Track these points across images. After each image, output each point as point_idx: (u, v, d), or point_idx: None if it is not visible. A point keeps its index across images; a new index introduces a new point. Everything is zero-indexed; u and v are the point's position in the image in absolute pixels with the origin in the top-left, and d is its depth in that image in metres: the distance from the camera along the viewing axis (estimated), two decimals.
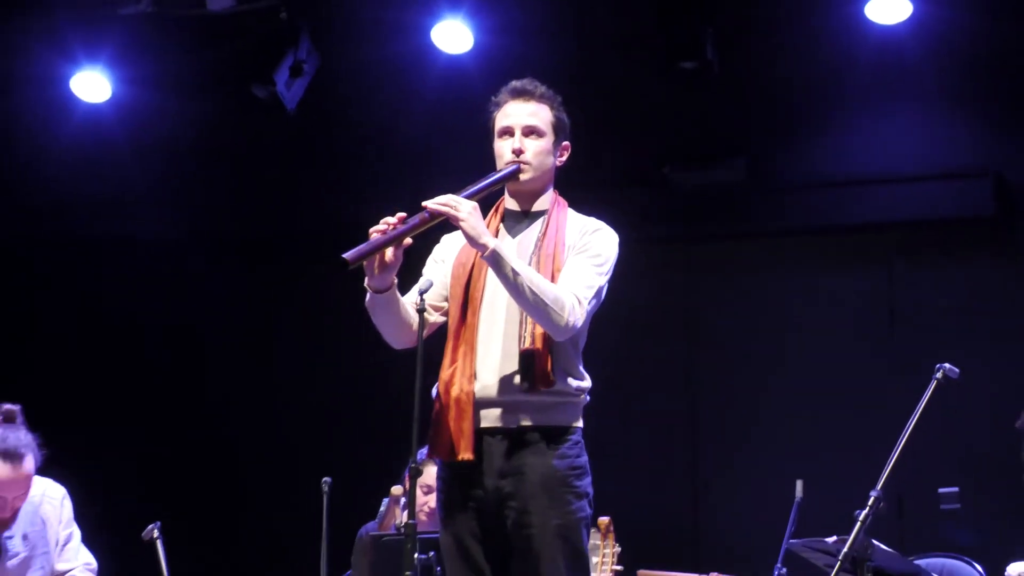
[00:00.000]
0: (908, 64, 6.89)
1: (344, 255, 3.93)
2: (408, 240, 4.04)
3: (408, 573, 3.75)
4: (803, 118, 7.27)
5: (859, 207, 7.28)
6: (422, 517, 5.25)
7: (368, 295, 4.15)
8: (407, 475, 5.31)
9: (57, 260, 8.05)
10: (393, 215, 4.06)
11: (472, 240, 4.12)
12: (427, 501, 5.37)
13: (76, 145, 7.62)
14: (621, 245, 4.34)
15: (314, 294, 7.55)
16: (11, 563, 4.68)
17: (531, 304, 4.12)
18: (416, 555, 3.77)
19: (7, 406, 4.70)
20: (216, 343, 7.94)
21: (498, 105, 4.34)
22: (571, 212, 4.40)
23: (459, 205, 4.09)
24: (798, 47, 7.04)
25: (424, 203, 4.08)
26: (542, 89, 4.33)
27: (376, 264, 4.07)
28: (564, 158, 4.39)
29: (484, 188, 4.24)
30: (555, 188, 4.41)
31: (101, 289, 8.00)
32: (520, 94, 4.32)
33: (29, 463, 4.61)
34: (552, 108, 4.33)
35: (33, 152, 7.76)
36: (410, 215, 4.05)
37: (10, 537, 4.68)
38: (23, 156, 7.80)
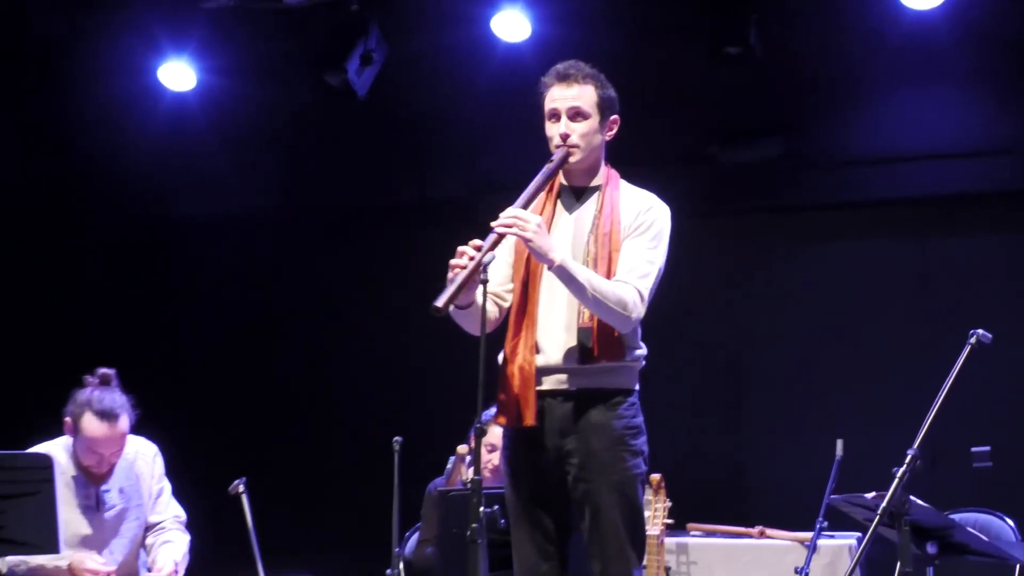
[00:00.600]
0: (942, 45, 6.81)
1: (435, 303, 3.91)
2: (483, 265, 3.97)
3: (474, 525, 3.74)
4: (841, 98, 7.20)
5: (894, 182, 7.23)
6: (486, 474, 5.26)
7: (451, 309, 4.11)
8: (472, 435, 5.36)
9: (149, 237, 8.14)
10: (467, 243, 4.02)
11: (540, 257, 4.11)
12: (491, 459, 5.39)
13: (163, 131, 7.69)
14: (671, 218, 4.33)
15: (386, 263, 7.60)
16: (108, 514, 4.75)
17: (597, 308, 4.13)
18: (482, 508, 3.76)
19: (103, 370, 4.76)
20: (295, 310, 8.00)
21: (545, 88, 4.29)
22: (624, 185, 4.36)
23: (526, 224, 4.05)
24: (836, 30, 6.98)
25: (493, 224, 4.04)
26: (585, 70, 4.26)
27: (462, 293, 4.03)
28: (613, 132, 4.35)
29: (539, 185, 4.21)
30: (607, 162, 4.39)
31: (190, 261, 8.09)
32: (563, 78, 4.26)
33: (124, 422, 4.68)
34: (596, 87, 4.26)
35: (123, 138, 7.83)
36: (482, 237, 4.01)
37: (107, 491, 4.74)
38: (114, 142, 7.88)
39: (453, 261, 4.03)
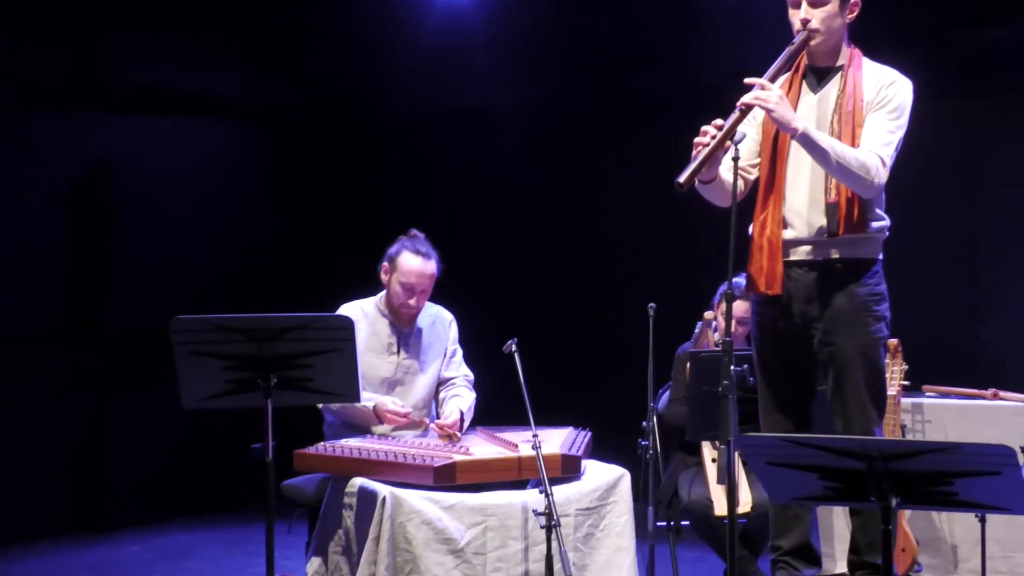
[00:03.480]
0: None
1: (677, 179, 3.93)
2: (728, 142, 4.00)
3: (725, 382, 3.80)
4: None
5: None
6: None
7: (696, 183, 4.14)
8: (716, 301, 5.41)
9: (433, 127, 8.36)
10: (709, 123, 4.03)
11: (783, 126, 4.09)
12: (745, 328, 5.40)
13: (436, 31, 7.87)
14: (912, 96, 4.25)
15: (641, 147, 7.64)
16: (408, 362, 4.97)
17: (841, 174, 4.09)
18: (732, 367, 3.83)
19: (413, 231, 5.01)
20: (561, 190, 8.11)
21: None
22: (866, 63, 4.30)
23: (768, 96, 4.03)
24: None
25: (739, 102, 4.03)
26: None
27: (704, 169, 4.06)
28: (854, 14, 4.27)
29: (781, 66, 4.18)
30: (850, 42, 4.33)
31: (466, 151, 8.29)
32: None
33: (435, 264, 4.90)
34: None
35: (397, 36, 8.05)
36: (724, 116, 4.01)
37: (409, 342, 4.98)
38: (388, 40, 8.10)
39: (697, 139, 4.07)
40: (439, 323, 5.10)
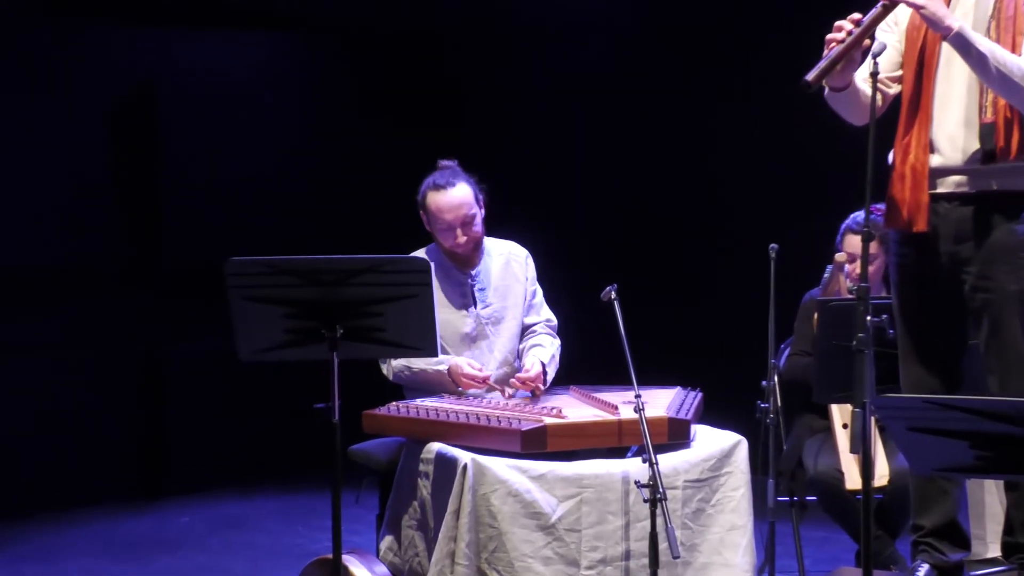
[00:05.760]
0: None
1: (806, 77, 3.90)
2: (867, 41, 3.96)
3: (860, 335, 3.75)
4: None
5: None
6: (849, 284, 5.22)
7: (826, 90, 4.11)
8: (839, 240, 5.32)
9: (519, 40, 8.39)
10: (844, 18, 3.98)
11: (934, 24, 4.01)
12: (853, 268, 5.33)
13: None
14: None
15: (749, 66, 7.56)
16: (485, 312, 4.97)
17: (1000, 84, 4.00)
18: (868, 317, 3.77)
19: (442, 162, 5.00)
20: (655, 110, 8.09)
21: None
22: None
23: None
24: None
25: None
26: None
27: (836, 70, 4.01)
28: None
29: None
30: None
31: (552, 67, 8.28)
32: None
33: (463, 188, 4.83)
34: None
35: None
36: (864, 11, 3.95)
37: (482, 289, 4.98)
38: None
39: (830, 36, 4.00)
40: (513, 261, 5.09)
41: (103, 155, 7.38)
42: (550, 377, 4.93)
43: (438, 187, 4.87)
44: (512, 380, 4.82)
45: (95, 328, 7.31)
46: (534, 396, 4.74)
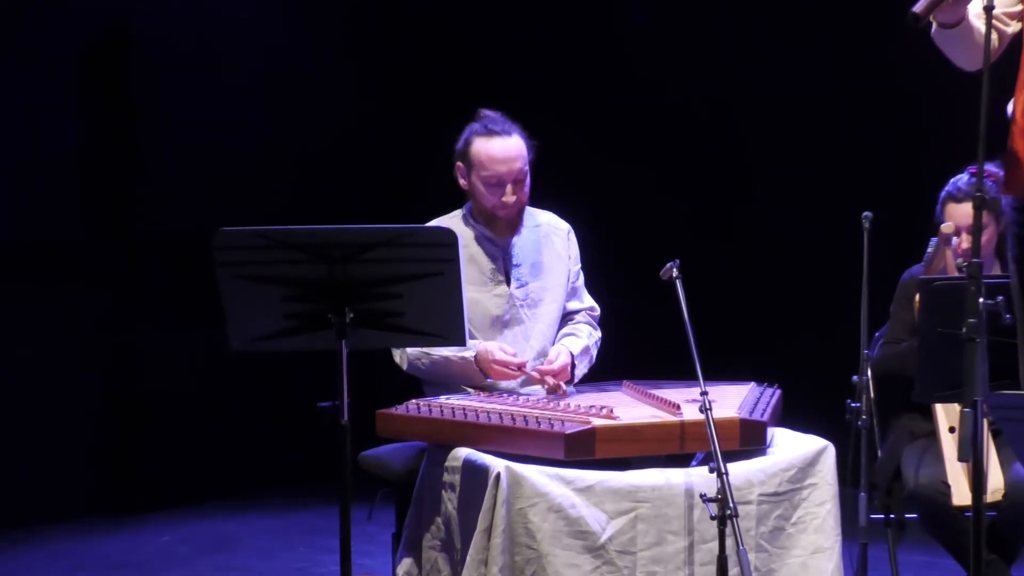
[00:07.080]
0: None
1: (913, 9, 3.92)
2: None
3: (971, 321, 3.73)
4: None
5: None
6: (960, 263, 5.21)
7: (933, 28, 4.12)
8: (939, 209, 5.31)
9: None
10: None
11: None
12: (961, 241, 5.32)
13: None
14: None
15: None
16: (520, 292, 4.97)
17: None
18: (981, 300, 3.75)
19: (482, 111, 4.99)
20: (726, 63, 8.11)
21: None
22: None
23: None
24: None
25: None
26: None
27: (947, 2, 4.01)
28: None
29: None
30: None
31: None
32: None
33: (518, 140, 4.85)
34: None
35: None
36: None
37: (517, 265, 4.98)
38: None
39: None
40: (554, 235, 5.10)
41: (70, 110, 7.41)
42: (579, 373, 4.96)
43: (491, 132, 4.87)
44: (530, 372, 4.81)
45: (56, 316, 7.33)
46: (555, 394, 4.74)
